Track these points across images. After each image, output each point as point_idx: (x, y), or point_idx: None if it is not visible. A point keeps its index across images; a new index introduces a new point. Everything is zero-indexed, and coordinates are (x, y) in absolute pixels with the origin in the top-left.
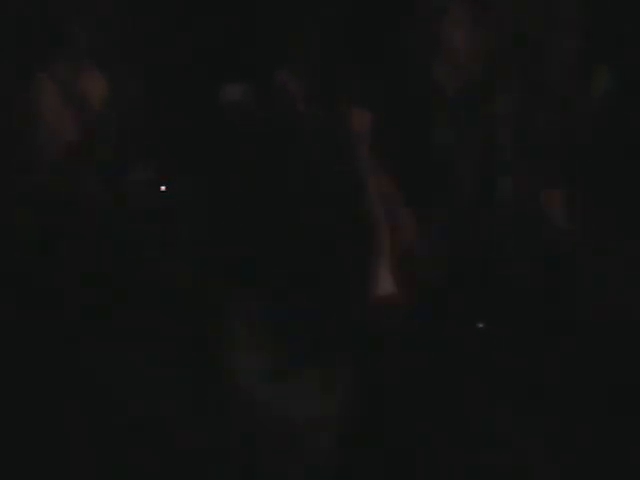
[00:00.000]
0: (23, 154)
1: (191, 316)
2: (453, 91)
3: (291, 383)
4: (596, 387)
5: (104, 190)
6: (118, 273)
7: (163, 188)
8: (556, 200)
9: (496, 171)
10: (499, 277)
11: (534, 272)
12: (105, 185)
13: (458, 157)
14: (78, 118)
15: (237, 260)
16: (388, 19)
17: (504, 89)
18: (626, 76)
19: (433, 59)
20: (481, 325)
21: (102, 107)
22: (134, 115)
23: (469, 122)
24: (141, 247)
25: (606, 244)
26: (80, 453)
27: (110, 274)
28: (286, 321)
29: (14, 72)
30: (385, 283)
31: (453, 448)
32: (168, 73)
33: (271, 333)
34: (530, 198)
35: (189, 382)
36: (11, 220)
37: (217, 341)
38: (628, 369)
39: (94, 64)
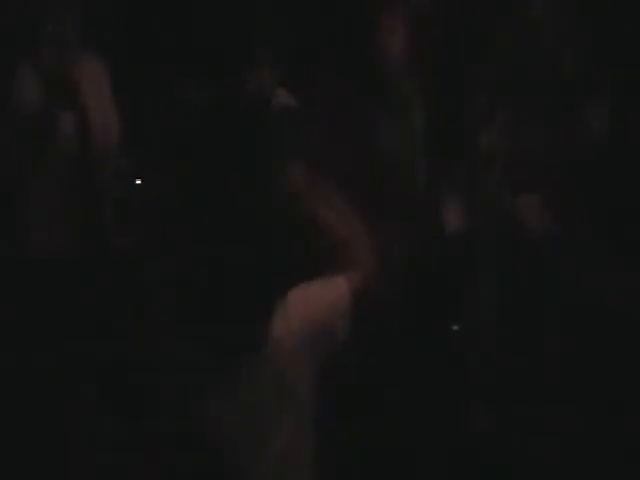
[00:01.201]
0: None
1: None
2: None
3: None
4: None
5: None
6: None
7: (139, 182)
8: (533, 204)
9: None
10: (474, 281)
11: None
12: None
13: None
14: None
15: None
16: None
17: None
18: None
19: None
20: (456, 328)
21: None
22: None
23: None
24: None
25: (580, 246)
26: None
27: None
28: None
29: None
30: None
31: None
32: (138, 71)
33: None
34: (507, 203)
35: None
36: None
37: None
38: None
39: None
